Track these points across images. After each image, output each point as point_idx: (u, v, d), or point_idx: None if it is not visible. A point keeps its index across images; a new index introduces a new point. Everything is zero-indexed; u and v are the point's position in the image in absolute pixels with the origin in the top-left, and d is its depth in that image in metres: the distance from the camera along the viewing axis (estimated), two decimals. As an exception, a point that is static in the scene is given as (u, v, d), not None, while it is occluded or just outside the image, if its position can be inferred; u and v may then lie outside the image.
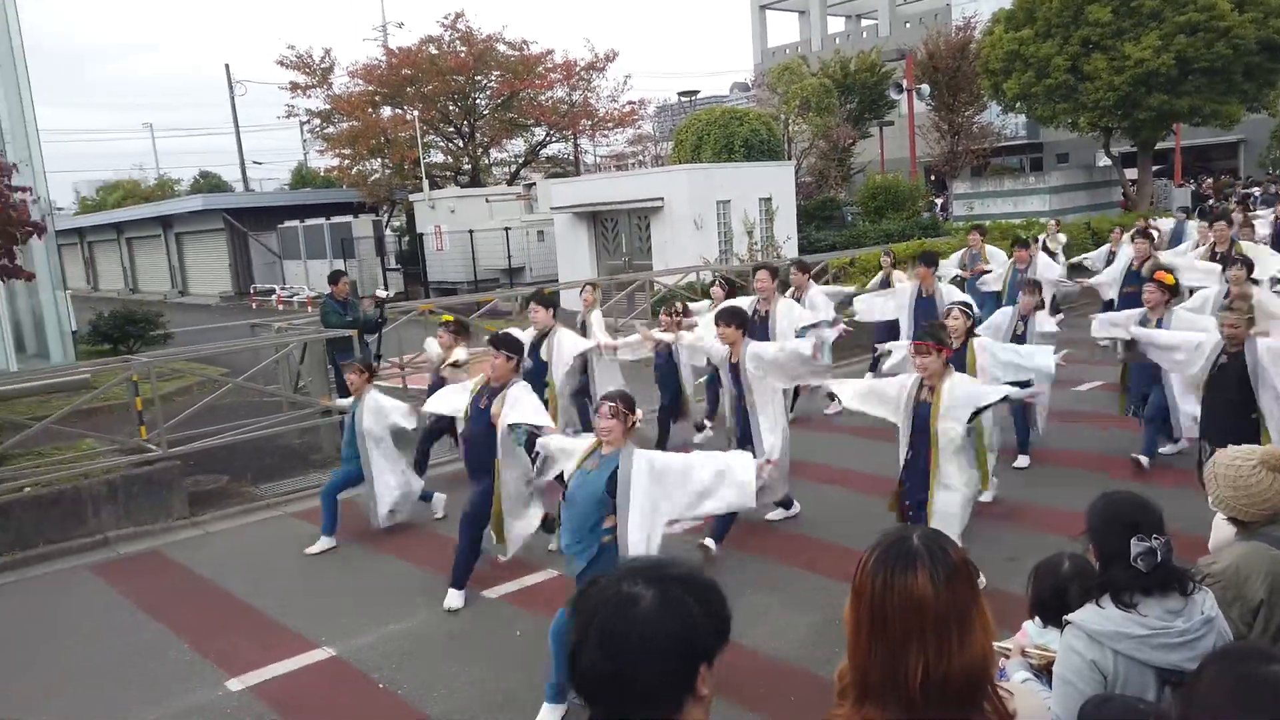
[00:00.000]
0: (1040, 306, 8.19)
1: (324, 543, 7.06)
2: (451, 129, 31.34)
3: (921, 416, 5.29)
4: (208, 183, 47.23)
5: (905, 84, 27.29)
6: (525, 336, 8.27)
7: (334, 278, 10.66)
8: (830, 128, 26.03)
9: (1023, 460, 7.81)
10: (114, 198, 48.39)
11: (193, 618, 6.01)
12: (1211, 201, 21.35)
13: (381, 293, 12.62)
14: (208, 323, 23.89)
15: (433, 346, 8.44)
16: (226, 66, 38.96)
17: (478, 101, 30.75)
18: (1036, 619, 2.90)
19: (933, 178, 34.91)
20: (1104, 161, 27.47)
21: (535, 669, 4.80)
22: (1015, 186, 24.37)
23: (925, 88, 28.39)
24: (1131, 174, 25.18)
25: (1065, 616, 2.51)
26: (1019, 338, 7.78)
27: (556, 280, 20.30)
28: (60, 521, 7.75)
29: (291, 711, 4.78)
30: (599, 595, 1.43)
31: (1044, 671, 2.70)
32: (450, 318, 8.38)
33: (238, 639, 5.63)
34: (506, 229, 24.56)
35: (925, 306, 8.93)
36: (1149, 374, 7.43)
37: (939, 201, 30.78)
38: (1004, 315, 8.18)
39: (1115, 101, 20.68)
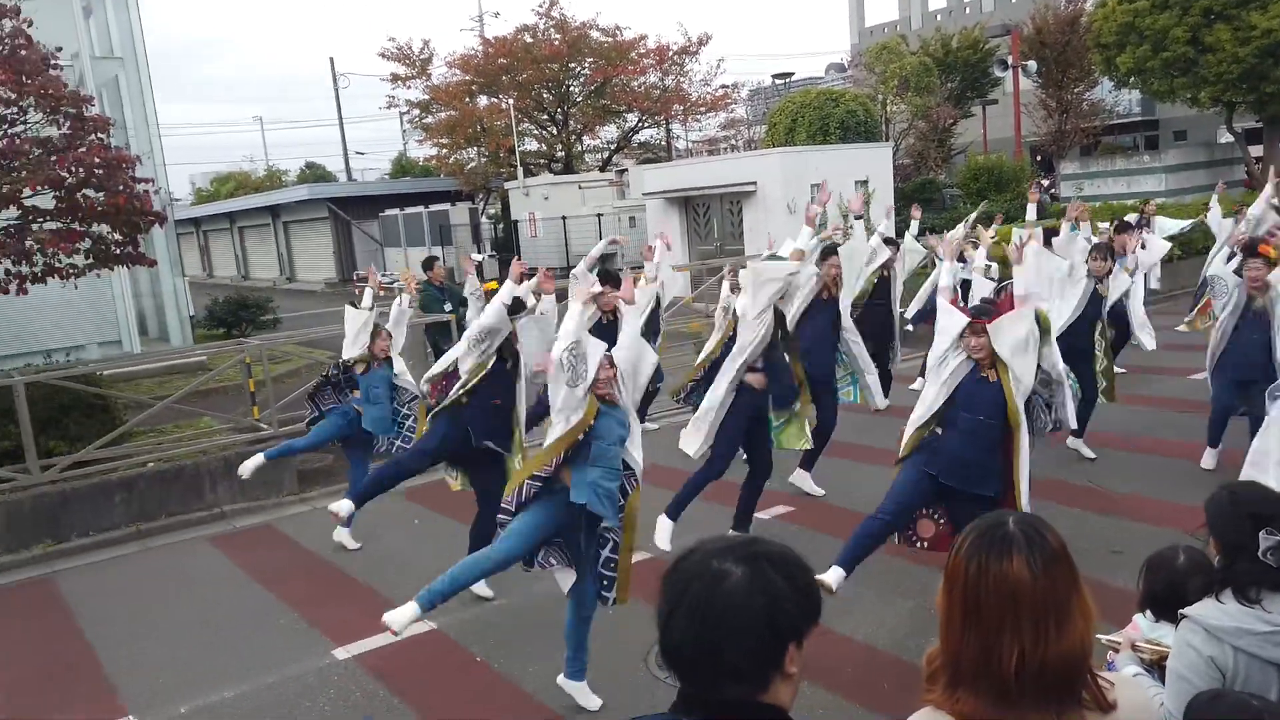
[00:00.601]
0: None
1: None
2: (545, 117, 31.68)
3: (986, 400, 4.65)
4: (313, 173, 48.93)
5: (1010, 61, 26.29)
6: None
7: (427, 264, 10.94)
8: (930, 108, 25.31)
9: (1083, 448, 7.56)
10: (226, 188, 50.64)
11: (301, 589, 6.29)
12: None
13: (477, 257, 13.05)
14: (313, 308, 24.80)
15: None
16: (331, 60, 40.47)
17: (571, 89, 31.00)
18: (1148, 613, 2.80)
19: (1039, 158, 33.59)
20: (1226, 138, 25.99)
21: (626, 644, 4.87)
22: (1128, 165, 23.32)
23: (1032, 64, 27.32)
24: (1256, 151, 23.77)
25: (1181, 611, 2.42)
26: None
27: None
28: (181, 495, 8.20)
29: (394, 681, 4.96)
30: (689, 570, 1.45)
31: (1155, 667, 2.61)
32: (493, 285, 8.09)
33: (343, 610, 5.86)
34: (599, 215, 24.76)
35: None
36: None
37: (1045, 183, 29.64)
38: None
39: (1240, 74, 19.56)
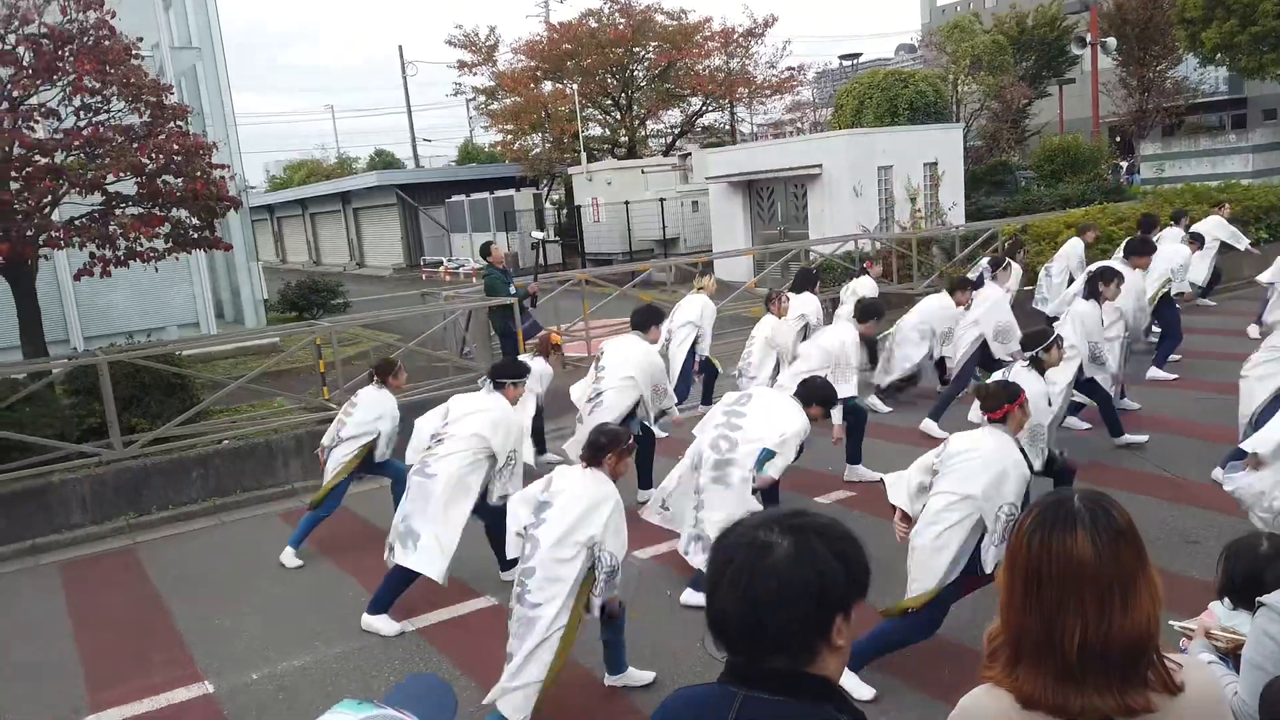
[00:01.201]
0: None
1: None
2: (609, 101, 31.70)
3: None
4: (382, 160, 49.83)
5: (1089, 38, 25.42)
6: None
7: (485, 249, 11.05)
8: (1003, 87, 24.66)
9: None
10: (299, 176, 51.88)
11: (369, 563, 6.42)
12: None
13: (537, 234, 13.46)
14: (382, 293, 25.30)
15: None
16: (399, 48, 41.14)
17: (635, 73, 30.96)
18: (1225, 600, 2.70)
19: (1117, 139, 32.47)
20: (1320, 116, 24.81)
21: (685, 624, 4.89)
22: (1213, 145, 22.40)
23: (1111, 41, 26.36)
24: (1353, 129, 22.66)
25: (1260, 599, 2.33)
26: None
27: (710, 251, 20.29)
28: (254, 472, 8.46)
29: (457, 653, 5.06)
30: (735, 542, 1.44)
31: (1230, 656, 2.52)
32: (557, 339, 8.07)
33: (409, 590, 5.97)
34: (661, 200, 24.71)
35: None
36: None
37: (1124, 164, 28.66)
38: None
39: (1335, 48, 18.63)
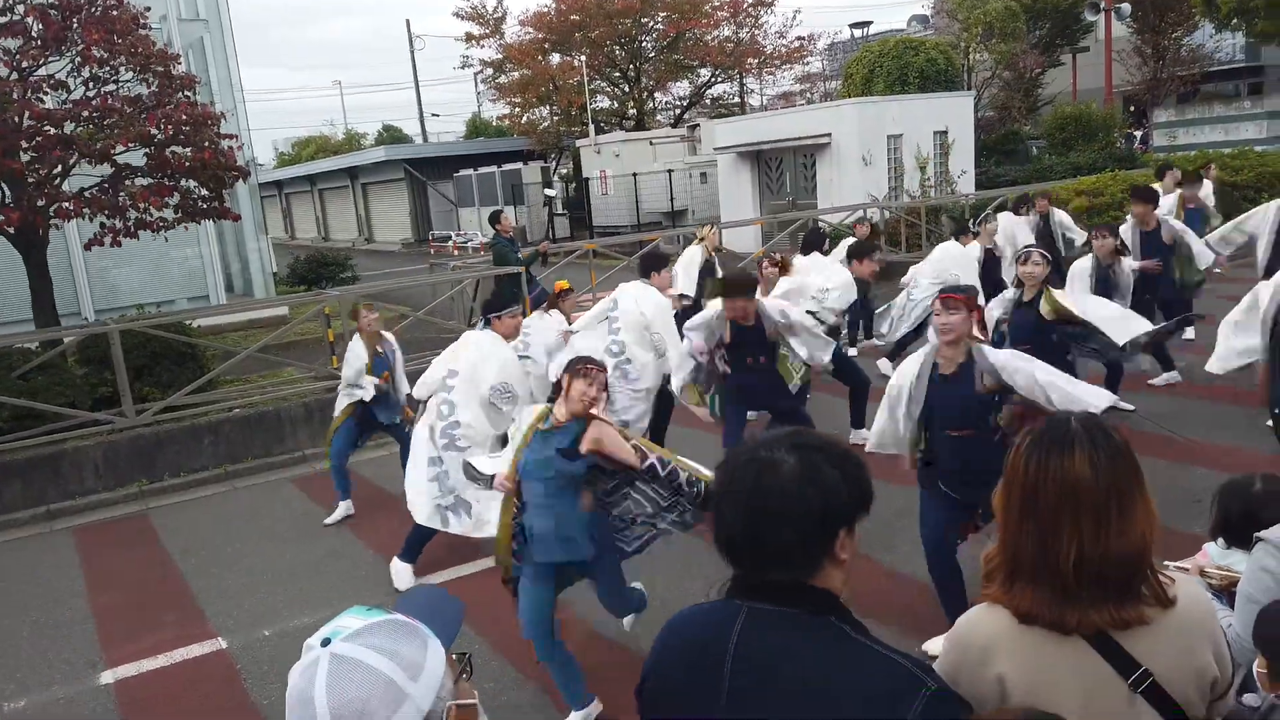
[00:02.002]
0: (1122, 252, 7.10)
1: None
2: (617, 73, 31.52)
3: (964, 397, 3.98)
4: (390, 135, 49.67)
5: (1103, 4, 25.08)
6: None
7: (494, 218, 11.04)
8: (1015, 55, 24.37)
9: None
10: (307, 152, 51.77)
11: (379, 526, 6.50)
12: None
13: (550, 191, 13.18)
14: (390, 267, 25.32)
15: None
16: (407, 22, 40.67)
17: (644, 44, 30.74)
18: (1219, 540, 2.72)
19: (1131, 108, 32.09)
20: (1337, 82, 24.48)
21: (688, 574, 4.93)
22: (1227, 112, 22.15)
23: (1126, 7, 25.95)
24: (1370, 95, 22.35)
25: (1258, 535, 2.34)
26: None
27: (719, 221, 20.21)
28: (264, 439, 8.53)
29: (468, 613, 5.10)
30: (740, 460, 1.46)
31: (1224, 593, 2.54)
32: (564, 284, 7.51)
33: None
34: (669, 171, 24.59)
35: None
36: None
37: (1137, 133, 28.35)
38: (1083, 264, 7.11)
39: (1353, 11, 18.34)
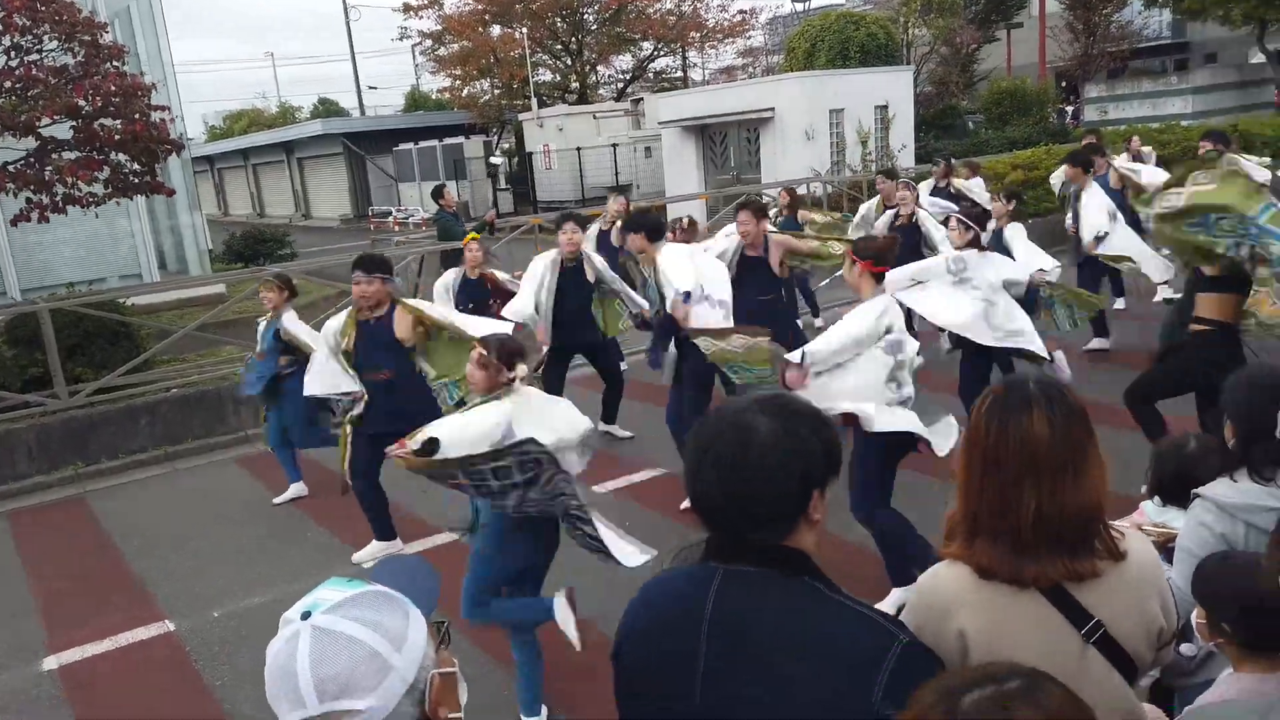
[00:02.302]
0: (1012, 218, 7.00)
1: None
2: (559, 46, 31.19)
3: None
4: (326, 109, 48.54)
5: (1036, -19, 25.57)
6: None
7: (437, 192, 10.89)
8: (953, 31, 24.72)
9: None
10: (239, 126, 50.36)
11: (329, 506, 6.41)
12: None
13: (496, 159, 12.97)
14: (330, 243, 24.81)
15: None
16: (341, -10, 39.61)
17: (586, 17, 30.46)
18: (1156, 499, 2.84)
19: (1063, 83, 32.78)
20: (1258, 59, 25.28)
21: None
22: (1155, 88, 22.78)
23: (1058, -16, 26.54)
24: (1289, 72, 23.14)
25: (1195, 490, 2.45)
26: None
27: (664, 195, 20.21)
28: (205, 419, 8.34)
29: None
30: (719, 423, 1.48)
31: (1162, 549, 2.66)
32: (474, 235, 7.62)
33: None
34: (614, 146, 24.50)
35: None
36: None
37: (1069, 108, 29.00)
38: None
39: (1274, -10, 18.94)
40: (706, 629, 1.44)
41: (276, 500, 6.65)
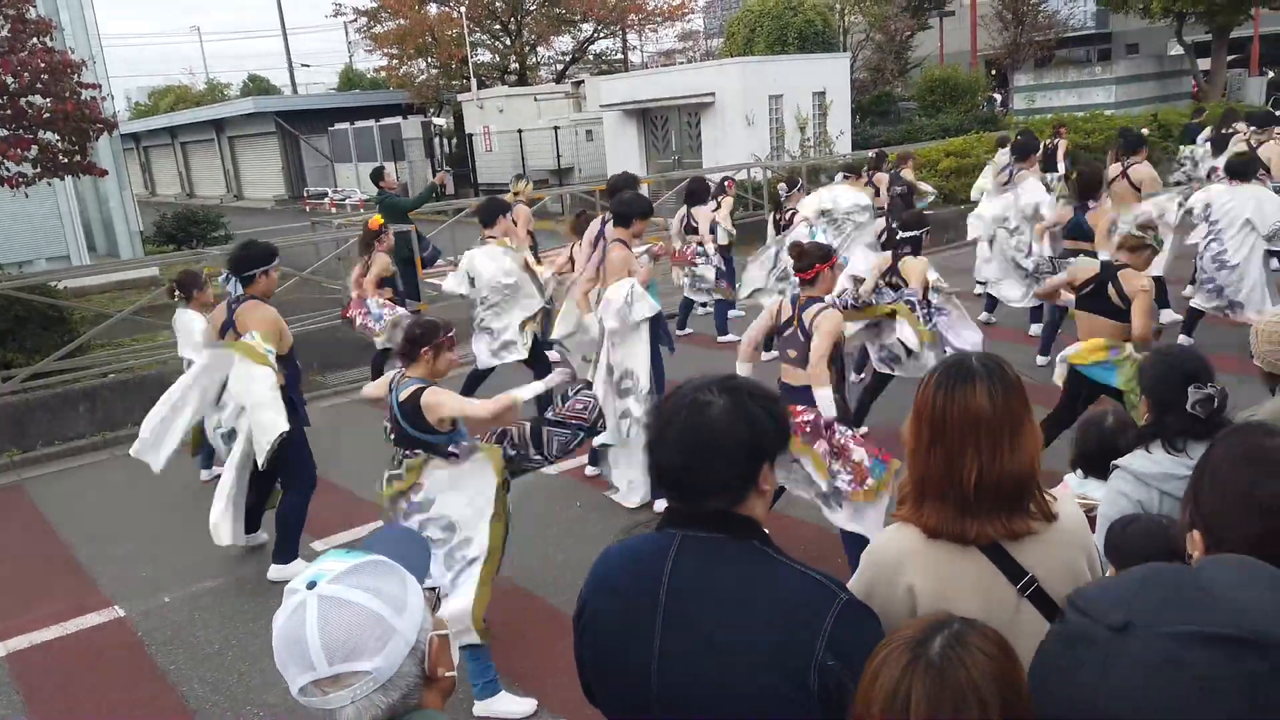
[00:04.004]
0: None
1: None
2: (498, 26, 30.87)
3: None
4: (257, 86, 47.28)
5: (968, -30, 26.11)
6: None
7: (377, 174, 10.81)
8: (887, 18, 25.14)
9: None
10: (165, 102, 48.70)
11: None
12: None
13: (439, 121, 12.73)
14: (265, 225, 24.29)
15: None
16: (271, -35, 38.54)
17: (525, -3, 30.21)
18: (1078, 471, 3.05)
19: (993, 71, 33.58)
20: (1176, 50, 26.25)
21: (594, 531, 5.10)
22: (1080, 77, 23.51)
23: (989, -26, 27.14)
24: (1205, 64, 24.06)
25: (1114, 462, 2.66)
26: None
27: (606, 179, 20.25)
28: (144, 404, 8.06)
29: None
30: (678, 401, 1.62)
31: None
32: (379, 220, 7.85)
33: (318, 507, 5.97)
34: (555, 128, 24.40)
35: None
36: None
37: (999, 96, 29.74)
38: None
39: (1191, -16, 19.68)
40: (666, 586, 1.58)
41: (204, 477, 6.67)
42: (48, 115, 8.53)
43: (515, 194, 8.98)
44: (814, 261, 4.40)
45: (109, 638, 4.71)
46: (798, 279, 4.52)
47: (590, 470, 6.16)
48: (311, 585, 1.31)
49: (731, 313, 9.42)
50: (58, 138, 8.86)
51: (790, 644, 1.50)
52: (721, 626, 1.54)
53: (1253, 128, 10.25)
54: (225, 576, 5.22)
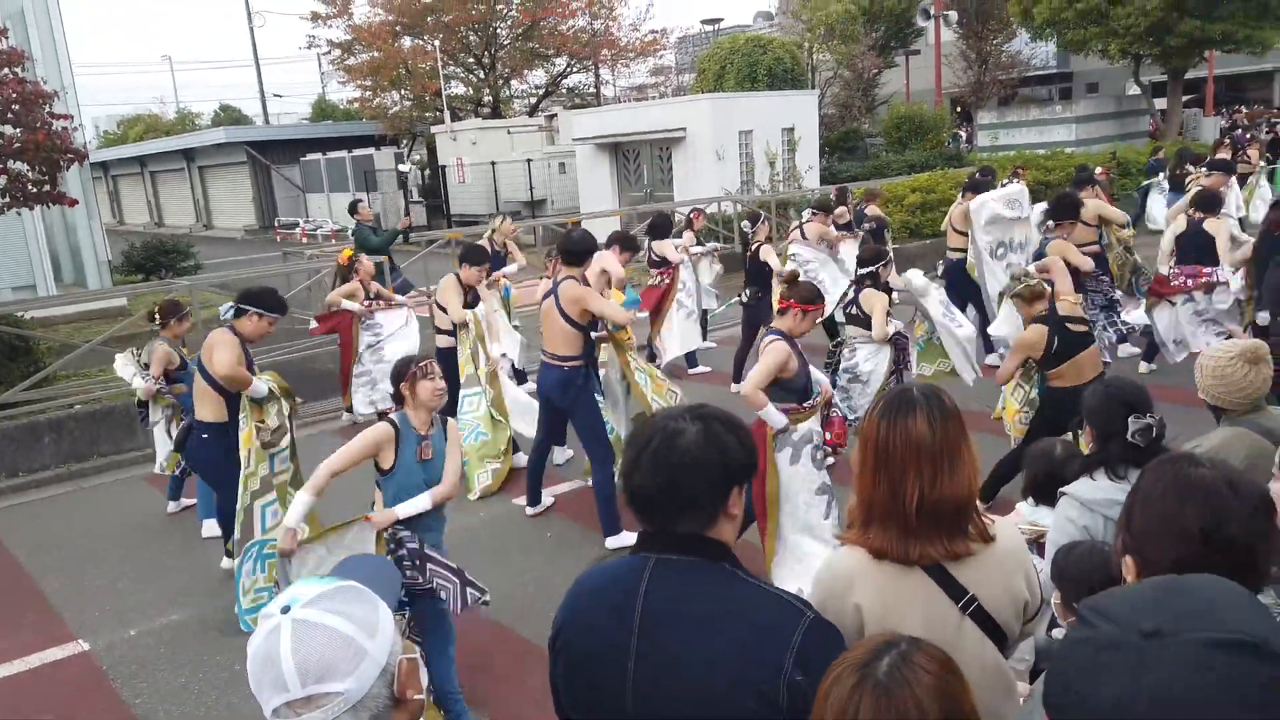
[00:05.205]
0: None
1: None
2: (472, 60, 31.12)
3: None
4: (228, 116, 47.14)
5: (933, 10, 26.73)
6: None
7: (353, 207, 10.90)
8: (855, 56, 25.67)
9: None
10: (135, 132, 48.39)
11: (244, 521, 6.38)
12: (1240, 131, 20.96)
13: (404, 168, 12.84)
14: (235, 255, 24.21)
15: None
16: (245, -3, 38.65)
17: (498, 31, 30.47)
18: (1029, 499, 3.17)
19: (958, 109, 34.34)
20: (1134, 90, 27.01)
21: (564, 563, 5.15)
22: (1041, 116, 24.09)
23: (953, 14, 27.77)
24: (1161, 104, 24.77)
25: (1060, 489, 2.78)
26: None
27: (579, 212, 20.43)
28: (111, 436, 8.15)
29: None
30: (651, 429, 1.70)
31: (1035, 545, 2.98)
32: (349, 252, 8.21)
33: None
34: (528, 161, 24.57)
35: None
36: None
37: (963, 133, 30.39)
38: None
39: (1147, 27, 20.28)
40: (639, 610, 1.64)
41: (170, 509, 6.70)
42: (18, 145, 8.53)
43: (493, 232, 8.96)
44: (794, 298, 4.47)
45: (74, 672, 4.68)
46: (777, 306, 4.66)
47: (530, 511, 6.16)
48: (286, 610, 1.36)
49: (703, 344, 9.58)
50: (28, 167, 8.85)
51: (761, 663, 1.56)
52: (695, 649, 1.60)
53: (1202, 169, 10.61)
54: (191, 610, 5.20)
